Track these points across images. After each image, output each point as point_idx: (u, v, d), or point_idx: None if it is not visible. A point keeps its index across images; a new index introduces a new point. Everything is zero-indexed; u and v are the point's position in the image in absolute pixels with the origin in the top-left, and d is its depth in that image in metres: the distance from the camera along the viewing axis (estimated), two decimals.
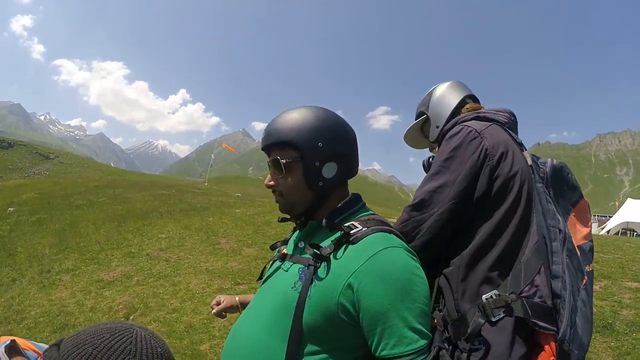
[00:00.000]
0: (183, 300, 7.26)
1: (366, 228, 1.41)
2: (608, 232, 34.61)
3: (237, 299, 2.01)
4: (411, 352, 1.21)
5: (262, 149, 1.58)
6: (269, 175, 1.59)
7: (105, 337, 1.00)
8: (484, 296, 1.50)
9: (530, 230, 1.59)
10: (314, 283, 1.35)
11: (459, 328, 1.52)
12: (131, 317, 6.83)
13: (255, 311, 1.52)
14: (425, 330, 1.26)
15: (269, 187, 1.59)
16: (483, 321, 1.46)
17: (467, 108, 2.05)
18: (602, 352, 5.09)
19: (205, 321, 6.26)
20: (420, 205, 1.73)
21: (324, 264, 1.37)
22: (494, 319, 1.46)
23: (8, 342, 1.25)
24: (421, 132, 2.29)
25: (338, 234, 1.41)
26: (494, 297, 1.48)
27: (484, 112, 1.92)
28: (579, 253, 1.62)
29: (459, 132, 1.78)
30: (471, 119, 1.89)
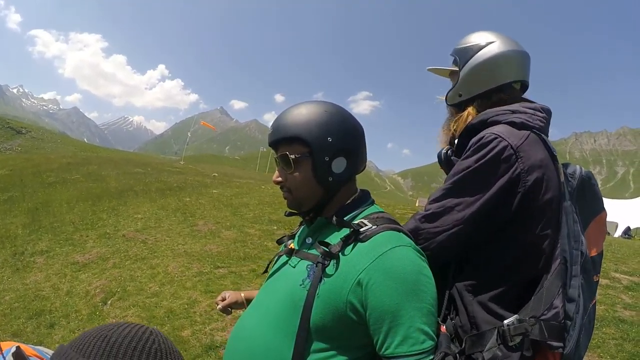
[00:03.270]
0: (162, 284, 7.16)
1: (376, 226, 1.40)
2: None
3: (242, 295, 1.98)
4: (416, 352, 1.21)
5: (270, 145, 1.57)
6: (276, 172, 1.58)
7: (125, 328, 0.96)
8: (505, 322, 1.44)
9: (555, 253, 1.53)
10: (322, 281, 1.34)
11: (476, 343, 1.47)
12: (109, 302, 6.73)
13: (261, 308, 1.51)
14: (431, 332, 1.25)
15: (277, 183, 1.57)
16: (501, 354, 1.42)
17: (503, 98, 1.78)
18: None
19: (186, 306, 6.19)
20: (434, 218, 1.61)
21: (332, 262, 1.36)
22: (511, 343, 1.42)
23: (13, 349, 1.18)
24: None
25: (347, 231, 1.40)
26: (515, 323, 1.43)
27: (522, 114, 1.66)
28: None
29: (490, 142, 1.56)
30: (506, 123, 1.64)
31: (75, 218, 11.91)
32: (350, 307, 1.29)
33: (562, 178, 1.59)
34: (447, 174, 1.76)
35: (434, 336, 1.25)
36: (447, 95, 1.93)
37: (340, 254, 1.35)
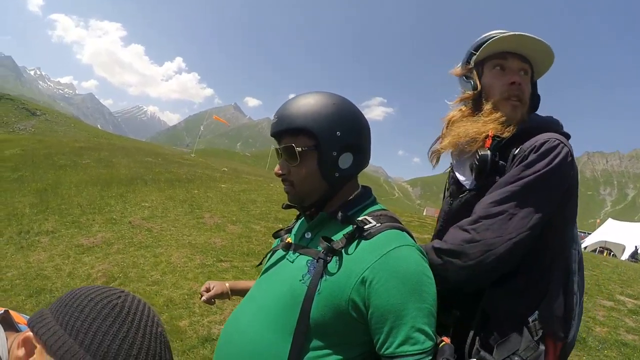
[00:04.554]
0: (164, 273, 7.17)
1: (380, 224, 1.36)
2: (585, 248, 35.70)
3: (227, 285, 1.95)
4: (416, 352, 1.19)
5: (272, 135, 1.52)
6: (278, 164, 1.51)
7: (100, 291, 0.98)
8: (530, 318, 1.49)
9: (565, 252, 1.60)
10: (324, 277, 1.31)
11: (505, 348, 1.49)
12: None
13: (258, 301, 1.47)
14: (432, 333, 1.24)
15: (279, 176, 1.51)
16: (543, 347, 1.47)
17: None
18: None
19: (186, 297, 6.19)
20: (494, 225, 1.51)
21: (335, 258, 1.33)
22: (536, 338, 1.46)
23: (1, 312, 1.17)
24: (519, 60, 1.76)
25: (350, 227, 1.37)
26: (538, 318, 1.49)
27: (560, 127, 1.70)
28: None
29: (556, 148, 1.53)
30: (562, 133, 1.64)
31: (83, 201, 11.96)
32: (353, 305, 1.26)
33: None
34: (478, 179, 1.68)
35: (434, 337, 1.24)
36: (532, 95, 1.81)
37: (343, 250, 1.33)
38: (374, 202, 1.55)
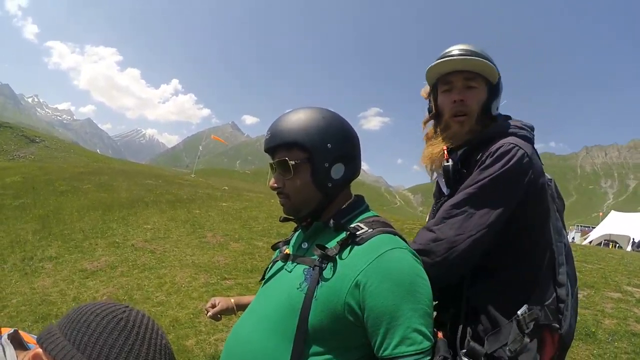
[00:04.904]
0: (169, 294, 7.17)
1: (372, 229, 1.40)
2: (590, 242, 35.49)
3: (232, 301, 1.97)
4: (414, 352, 1.21)
5: (266, 151, 1.56)
6: (273, 178, 1.56)
7: (106, 307, 1.01)
8: (519, 312, 1.58)
9: (547, 246, 1.72)
10: (320, 284, 1.34)
11: (496, 340, 1.59)
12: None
13: (258, 313, 1.50)
14: (429, 333, 1.26)
15: (274, 189, 1.55)
16: (529, 340, 1.57)
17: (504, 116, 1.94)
18: None
19: (192, 316, 6.18)
20: (455, 224, 1.65)
21: (330, 265, 1.36)
22: (527, 331, 1.56)
23: (11, 331, 1.21)
24: (463, 78, 1.84)
25: (343, 234, 1.40)
26: (527, 312, 1.58)
27: (525, 131, 1.80)
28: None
29: (510, 152, 1.66)
30: (520, 136, 1.76)
31: (85, 226, 11.97)
32: (348, 309, 1.29)
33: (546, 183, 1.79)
34: (449, 187, 1.85)
35: (431, 337, 1.26)
36: (492, 108, 1.89)
37: (337, 256, 1.36)
38: (367, 210, 1.58)
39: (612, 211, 42.56)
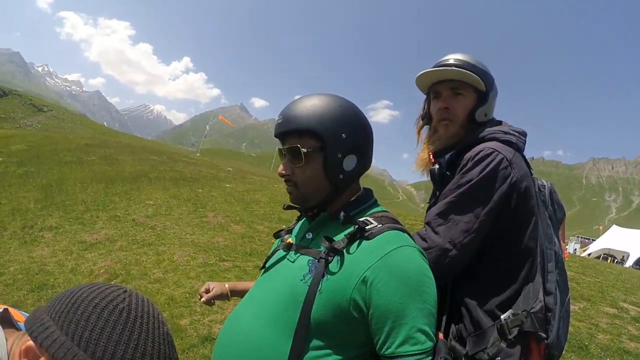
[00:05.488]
0: (166, 271, 7.15)
1: (381, 225, 1.38)
2: (589, 254, 35.63)
3: (226, 286, 1.94)
4: (417, 352, 1.20)
5: (276, 136, 1.52)
6: (282, 164, 1.52)
7: (100, 289, 0.95)
8: (502, 317, 1.62)
9: (536, 253, 1.72)
10: (325, 277, 1.31)
11: (477, 342, 1.64)
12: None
13: (258, 302, 1.46)
14: (432, 333, 1.25)
15: (283, 176, 1.52)
16: (504, 345, 1.59)
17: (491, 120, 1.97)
18: None
19: (187, 295, 6.17)
20: (445, 232, 1.70)
21: (336, 258, 1.33)
22: (510, 336, 1.59)
23: (1, 310, 1.13)
24: (449, 87, 1.92)
25: (351, 228, 1.37)
26: (511, 317, 1.61)
27: (512, 135, 1.83)
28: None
29: (489, 156, 1.70)
30: (502, 141, 1.80)
31: (88, 198, 11.99)
32: (354, 305, 1.27)
33: (537, 189, 1.83)
34: (438, 189, 1.93)
35: (434, 337, 1.25)
36: (476, 116, 1.91)
37: (344, 250, 1.33)
38: (376, 204, 1.56)
39: (614, 225, 42.69)
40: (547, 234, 1.77)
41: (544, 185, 1.90)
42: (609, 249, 36.72)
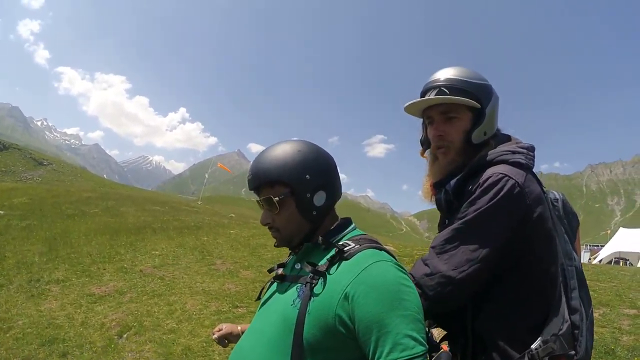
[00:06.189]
0: (179, 321, 7.05)
1: (359, 245, 1.47)
2: (600, 261, 35.36)
3: (239, 328, 2.01)
4: (407, 357, 1.23)
5: (251, 189, 1.64)
6: (262, 214, 1.65)
7: None
8: (533, 346, 1.56)
9: (557, 273, 1.66)
10: (312, 299, 1.40)
11: None
12: (124, 336, 6.62)
13: (257, 330, 1.56)
14: (420, 338, 1.28)
15: (265, 224, 1.64)
16: None
17: (499, 135, 1.89)
18: None
19: (204, 344, 6.07)
20: (449, 260, 1.66)
21: (320, 280, 1.42)
22: None
23: None
24: (439, 112, 1.84)
25: (332, 252, 1.47)
26: (542, 345, 1.55)
27: (520, 155, 1.75)
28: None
29: (499, 182, 1.63)
30: (511, 163, 1.71)
31: (93, 250, 11.91)
32: (340, 321, 1.33)
33: (551, 206, 1.75)
34: (446, 217, 1.87)
35: (424, 342, 1.28)
36: (472, 138, 1.82)
37: (327, 272, 1.42)
38: (354, 229, 1.66)
39: (621, 228, 42.24)
40: (566, 251, 1.72)
41: (557, 199, 1.84)
42: (619, 251, 35.98)
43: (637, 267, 24.20)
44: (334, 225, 1.64)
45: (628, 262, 33.71)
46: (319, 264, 1.47)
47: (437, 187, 1.90)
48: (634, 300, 8.33)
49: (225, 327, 2.00)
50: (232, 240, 14.29)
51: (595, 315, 7.21)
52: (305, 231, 1.60)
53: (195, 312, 7.48)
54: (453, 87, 1.78)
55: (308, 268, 1.46)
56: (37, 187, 29.31)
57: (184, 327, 6.76)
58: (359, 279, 1.33)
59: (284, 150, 1.58)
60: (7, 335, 6.59)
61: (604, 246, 44.25)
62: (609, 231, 67.34)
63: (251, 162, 1.66)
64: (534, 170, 1.78)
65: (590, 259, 39.15)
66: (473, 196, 1.67)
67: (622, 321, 7.05)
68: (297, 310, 1.39)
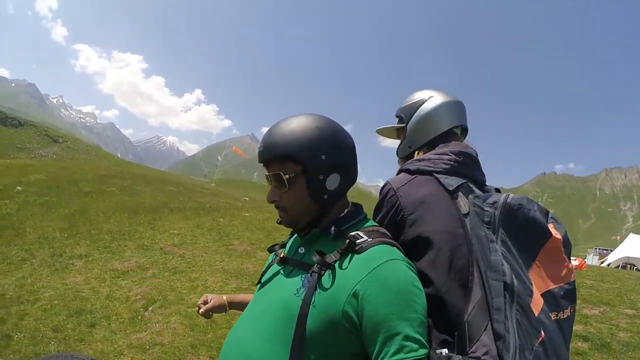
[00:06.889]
0: (202, 296, 7.12)
1: (371, 239, 1.39)
2: (609, 265, 35.12)
3: (224, 298, 1.95)
4: (412, 359, 1.20)
5: (261, 162, 1.53)
6: (269, 191, 1.54)
7: None
8: (437, 350, 1.36)
9: (472, 286, 1.46)
10: (318, 290, 1.34)
11: None
12: (150, 308, 6.79)
13: (255, 317, 1.47)
14: (424, 341, 1.25)
15: (272, 202, 1.54)
16: None
17: (446, 143, 1.87)
18: None
19: (228, 317, 6.13)
20: None
21: (328, 272, 1.36)
22: None
23: None
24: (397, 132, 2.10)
25: (342, 242, 1.39)
26: (444, 354, 1.35)
27: (422, 162, 1.77)
28: (539, 305, 1.40)
29: (383, 189, 1.77)
30: (404, 170, 1.81)
31: (113, 228, 12.11)
32: (346, 317, 1.29)
33: (467, 209, 1.58)
34: None
35: (427, 345, 1.25)
36: (397, 149, 2.06)
37: (336, 264, 1.36)
38: (366, 219, 1.57)
39: (631, 234, 41.74)
40: (489, 262, 1.44)
41: (494, 203, 1.49)
42: (628, 257, 35.61)
43: None
44: (345, 211, 1.55)
45: (635, 268, 33.58)
46: (328, 254, 1.38)
47: None
48: (634, 302, 8.45)
49: (212, 300, 1.93)
50: (248, 223, 14.40)
51: (595, 312, 7.40)
52: (313, 215, 1.50)
53: (216, 288, 7.63)
54: (400, 117, 2.05)
55: (316, 257, 1.38)
56: (53, 164, 29.56)
57: None
58: (371, 277, 1.28)
59: (300, 124, 1.45)
60: (35, 306, 6.74)
61: (612, 251, 43.93)
62: (619, 236, 66.57)
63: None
64: (439, 179, 1.70)
65: (603, 262, 38.93)
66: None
67: (621, 319, 7.22)
68: (301, 301, 1.33)
